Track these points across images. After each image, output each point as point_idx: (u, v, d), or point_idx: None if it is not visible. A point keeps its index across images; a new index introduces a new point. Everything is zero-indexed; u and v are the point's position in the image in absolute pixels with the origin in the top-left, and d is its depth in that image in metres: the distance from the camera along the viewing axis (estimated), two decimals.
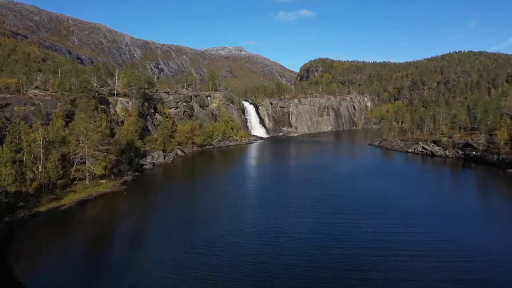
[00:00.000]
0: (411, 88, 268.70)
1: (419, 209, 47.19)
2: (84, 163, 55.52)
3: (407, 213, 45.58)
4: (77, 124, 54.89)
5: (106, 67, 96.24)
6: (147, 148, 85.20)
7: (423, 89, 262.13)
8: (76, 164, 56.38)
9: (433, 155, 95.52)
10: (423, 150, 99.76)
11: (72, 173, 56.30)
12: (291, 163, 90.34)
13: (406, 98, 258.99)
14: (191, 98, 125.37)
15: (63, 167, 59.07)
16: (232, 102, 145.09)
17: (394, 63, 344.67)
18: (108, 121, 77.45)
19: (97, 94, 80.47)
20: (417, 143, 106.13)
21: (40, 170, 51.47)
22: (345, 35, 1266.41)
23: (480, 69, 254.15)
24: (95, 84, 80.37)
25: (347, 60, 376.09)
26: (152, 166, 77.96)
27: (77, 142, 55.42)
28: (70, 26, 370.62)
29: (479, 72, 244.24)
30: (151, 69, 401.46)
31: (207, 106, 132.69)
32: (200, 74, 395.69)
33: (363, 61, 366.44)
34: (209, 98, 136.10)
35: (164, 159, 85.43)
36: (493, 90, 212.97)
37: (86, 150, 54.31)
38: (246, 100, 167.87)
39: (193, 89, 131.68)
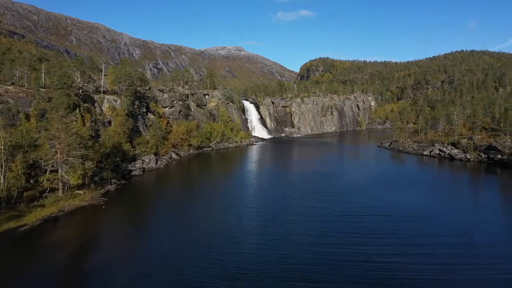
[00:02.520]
0: (414, 87, 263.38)
1: (471, 229, 37.81)
2: (57, 171, 46.83)
3: (464, 239, 35.23)
4: (48, 125, 46.22)
5: (92, 61, 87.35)
6: (137, 152, 76.58)
7: (427, 88, 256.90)
8: (49, 173, 47.73)
9: (452, 158, 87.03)
10: (440, 153, 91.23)
11: (44, 182, 47.72)
12: (298, 169, 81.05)
13: (410, 97, 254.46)
14: (188, 97, 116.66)
15: (34, 175, 50.70)
16: (232, 101, 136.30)
17: (396, 62, 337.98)
18: (92, 121, 68.87)
19: (80, 91, 71.86)
20: (433, 145, 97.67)
21: (1, 180, 42.83)
22: (345, 35, 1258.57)
23: (485, 68, 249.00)
24: (78, 80, 71.66)
25: (348, 60, 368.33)
26: (141, 172, 69.25)
27: (49, 147, 46.71)
28: (69, 25, 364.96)
29: (484, 71, 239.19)
30: (150, 69, 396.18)
31: (205, 105, 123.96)
32: (200, 74, 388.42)
33: (364, 61, 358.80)
34: (207, 96, 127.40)
35: (156, 163, 76.78)
36: (500, 89, 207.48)
37: (59, 155, 45.63)
38: (247, 99, 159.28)
39: (190, 87, 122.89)
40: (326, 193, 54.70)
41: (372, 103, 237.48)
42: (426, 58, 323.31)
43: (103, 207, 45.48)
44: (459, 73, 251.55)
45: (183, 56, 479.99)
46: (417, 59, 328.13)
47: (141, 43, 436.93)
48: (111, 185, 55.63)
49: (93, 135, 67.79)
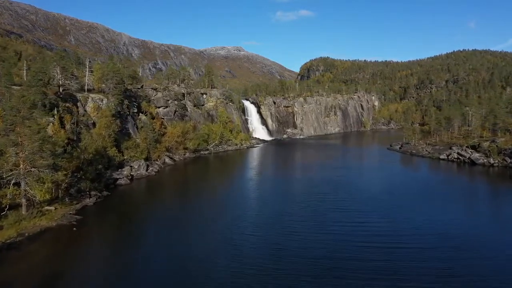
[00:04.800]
0: (418, 87, 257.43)
1: None
2: (19, 184, 38.71)
3: None
4: (7, 128, 38.14)
5: (77, 57, 79.13)
6: (126, 157, 68.48)
7: (431, 87, 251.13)
8: (12, 186, 39.55)
9: (472, 163, 79.01)
10: (459, 157, 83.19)
11: (7, 198, 39.62)
12: (305, 177, 71.33)
13: (413, 97, 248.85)
14: (184, 96, 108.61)
15: None
16: (231, 101, 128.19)
17: (397, 62, 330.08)
18: (73, 123, 60.77)
19: (60, 89, 63.79)
20: (451, 148, 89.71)
21: None
22: (345, 35, 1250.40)
23: (489, 67, 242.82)
24: (58, 77, 63.58)
25: (349, 59, 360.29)
26: (129, 181, 61.05)
27: (12, 155, 38.58)
28: (67, 25, 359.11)
29: (489, 70, 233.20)
30: (149, 69, 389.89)
31: (203, 105, 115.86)
32: (199, 74, 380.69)
33: (365, 60, 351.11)
34: (205, 96, 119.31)
35: (147, 170, 68.69)
36: (508, 88, 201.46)
37: (22, 165, 37.55)
38: (247, 99, 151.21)
39: (186, 86, 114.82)
40: (343, 211, 45.22)
41: (376, 103, 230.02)
42: (428, 58, 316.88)
43: (74, 228, 37.27)
44: (463, 72, 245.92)
45: (182, 56, 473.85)
46: (418, 59, 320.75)
47: (140, 43, 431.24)
48: (90, 198, 47.45)
49: (75, 138, 59.83)
